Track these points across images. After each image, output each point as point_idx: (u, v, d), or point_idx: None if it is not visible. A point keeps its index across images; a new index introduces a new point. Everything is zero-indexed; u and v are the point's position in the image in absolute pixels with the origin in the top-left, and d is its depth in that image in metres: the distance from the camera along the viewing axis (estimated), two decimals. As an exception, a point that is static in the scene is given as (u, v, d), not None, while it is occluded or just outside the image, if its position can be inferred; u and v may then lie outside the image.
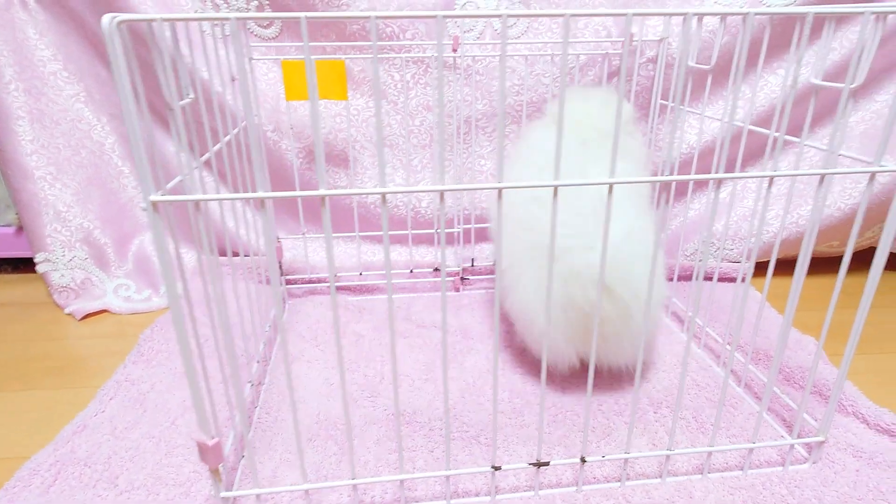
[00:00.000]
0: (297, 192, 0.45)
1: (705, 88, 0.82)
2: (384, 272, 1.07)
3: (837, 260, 0.54)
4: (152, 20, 0.38)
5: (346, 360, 0.86)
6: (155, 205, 0.44)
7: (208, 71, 0.63)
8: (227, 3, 0.93)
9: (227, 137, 0.70)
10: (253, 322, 0.80)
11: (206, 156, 0.62)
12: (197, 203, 0.47)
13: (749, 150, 1.07)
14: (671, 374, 0.82)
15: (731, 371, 0.82)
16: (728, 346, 0.85)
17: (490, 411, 0.75)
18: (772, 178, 0.49)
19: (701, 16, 0.72)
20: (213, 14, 0.40)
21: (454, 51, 0.89)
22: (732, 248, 1.10)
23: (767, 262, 0.96)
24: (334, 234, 1.11)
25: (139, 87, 0.41)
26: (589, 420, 0.72)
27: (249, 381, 0.75)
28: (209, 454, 0.53)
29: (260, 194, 0.46)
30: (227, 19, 0.40)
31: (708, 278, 1.05)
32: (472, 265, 1.08)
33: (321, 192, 0.46)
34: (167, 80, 0.44)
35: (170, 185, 0.47)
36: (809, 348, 0.87)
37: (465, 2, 0.94)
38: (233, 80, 0.71)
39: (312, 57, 0.87)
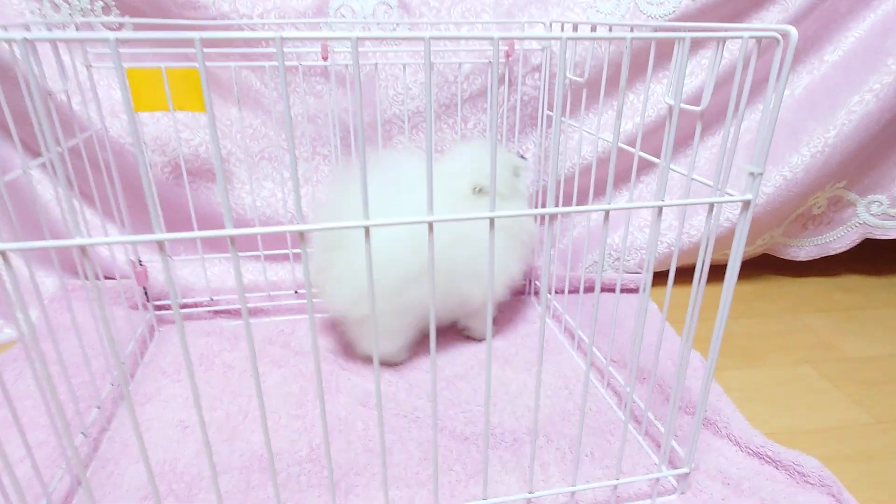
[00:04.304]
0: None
1: (581, 101, 0.79)
2: (266, 293, 1.00)
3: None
4: None
5: (209, 396, 0.79)
6: None
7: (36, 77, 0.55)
8: (69, 4, 0.83)
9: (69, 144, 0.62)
10: (106, 356, 0.72)
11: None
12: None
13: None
14: (555, 399, 0.79)
15: (615, 393, 0.80)
16: (609, 364, 0.82)
17: (358, 451, 0.70)
18: (607, 211, 0.46)
19: (574, 38, 0.69)
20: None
21: (324, 59, 0.83)
22: (629, 259, 1.08)
23: (666, 271, 0.95)
24: (211, 255, 1.02)
25: None
26: (438, 466, 0.68)
27: (82, 432, 0.67)
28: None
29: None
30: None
31: (610, 290, 1.03)
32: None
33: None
34: None
35: None
36: (694, 364, 0.85)
37: (339, 5, 0.88)
38: (49, 94, 0.62)
39: (167, 64, 0.79)
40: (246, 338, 0.45)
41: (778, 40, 0.42)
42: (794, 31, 0.41)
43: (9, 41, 0.36)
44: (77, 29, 0.83)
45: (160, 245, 0.40)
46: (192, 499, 0.62)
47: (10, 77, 0.82)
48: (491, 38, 0.40)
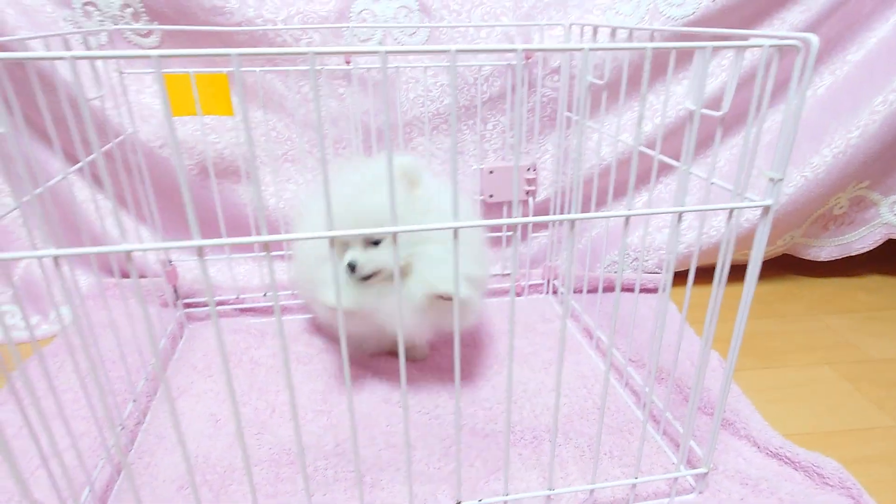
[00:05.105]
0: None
1: (601, 103, 0.79)
2: (291, 291, 1.02)
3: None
4: None
5: (237, 391, 0.81)
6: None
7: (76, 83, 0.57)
8: (100, 10, 0.86)
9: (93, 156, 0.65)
10: (140, 352, 0.75)
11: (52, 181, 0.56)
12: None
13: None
14: (573, 398, 0.80)
15: (634, 392, 0.81)
16: (627, 364, 0.83)
17: (381, 446, 0.72)
18: (627, 217, 0.47)
19: (596, 49, 0.70)
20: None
21: (347, 62, 0.85)
22: (648, 259, 1.09)
23: (685, 271, 0.95)
24: (238, 255, 1.05)
25: None
26: (460, 463, 0.70)
27: (119, 424, 0.70)
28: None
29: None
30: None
31: (629, 290, 1.03)
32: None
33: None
34: None
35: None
36: (713, 364, 0.86)
37: (361, 8, 0.90)
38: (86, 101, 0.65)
39: (196, 70, 0.81)
40: (277, 335, 0.47)
41: (798, 48, 0.43)
42: (815, 39, 0.42)
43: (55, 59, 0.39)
44: (109, 35, 0.86)
45: (199, 250, 0.43)
46: (226, 489, 0.65)
47: (47, 83, 0.85)
48: (515, 50, 0.41)
